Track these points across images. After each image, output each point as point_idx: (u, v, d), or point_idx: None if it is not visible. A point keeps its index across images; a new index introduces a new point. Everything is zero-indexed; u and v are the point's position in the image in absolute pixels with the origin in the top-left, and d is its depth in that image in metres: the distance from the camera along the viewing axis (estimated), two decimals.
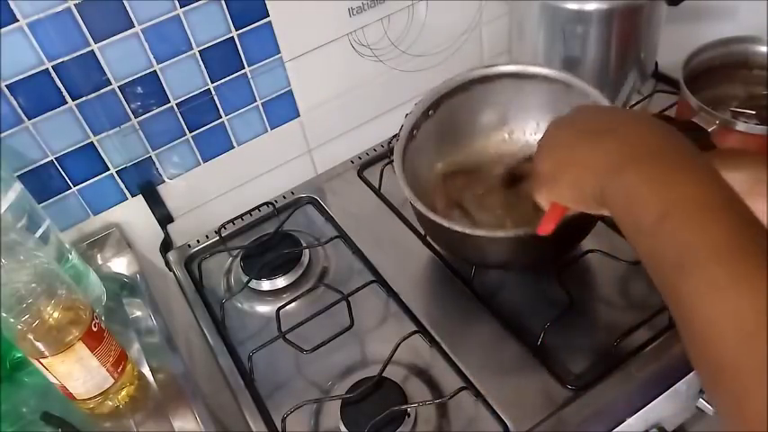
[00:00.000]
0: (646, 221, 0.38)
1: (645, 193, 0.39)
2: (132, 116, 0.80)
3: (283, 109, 0.91)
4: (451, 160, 0.83)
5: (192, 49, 0.79)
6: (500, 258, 0.71)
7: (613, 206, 0.42)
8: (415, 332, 0.71)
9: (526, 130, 0.83)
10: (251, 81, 0.85)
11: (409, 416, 0.64)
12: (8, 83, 0.70)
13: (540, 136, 0.78)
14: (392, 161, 0.74)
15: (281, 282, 0.81)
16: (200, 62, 0.80)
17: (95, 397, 0.66)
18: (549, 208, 0.54)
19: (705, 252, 0.35)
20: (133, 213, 0.87)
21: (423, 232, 0.82)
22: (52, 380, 0.63)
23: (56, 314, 0.60)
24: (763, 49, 0.82)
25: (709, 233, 0.35)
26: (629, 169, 0.41)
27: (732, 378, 0.32)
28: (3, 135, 0.73)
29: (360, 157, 0.98)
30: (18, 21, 0.67)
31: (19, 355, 0.71)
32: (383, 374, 0.67)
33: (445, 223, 0.65)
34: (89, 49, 0.73)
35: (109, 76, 0.75)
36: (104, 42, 0.73)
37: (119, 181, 0.84)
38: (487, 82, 0.79)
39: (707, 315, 0.33)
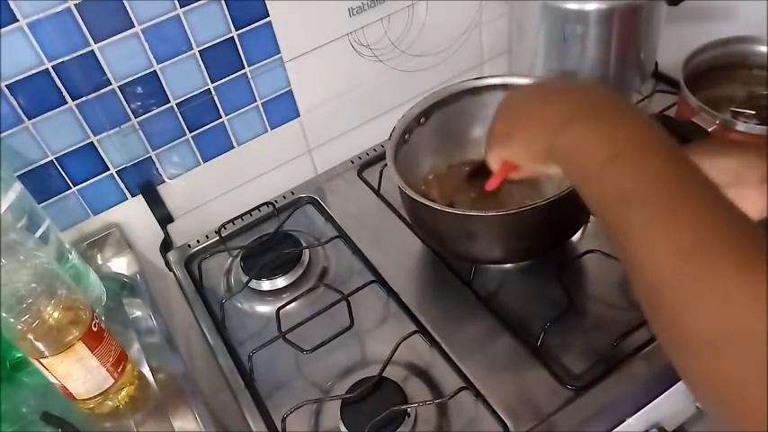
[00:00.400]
0: (593, 166, 0.41)
1: (592, 140, 0.43)
2: (132, 116, 0.80)
3: (283, 109, 0.91)
4: (445, 166, 0.85)
5: (192, 49, 0.79)
6: (489, 245, 0.71)
7: (563, 158, 0.46)
8: (415, 332, 0.71)
9: None
10: (251, 81, 0.85)
11: (409, 416, 0.64)
12: (8, 83, 0.70)
13: None
14: None
15: (281, 282, 0.81)
16: (200, 62, 0.80)
17: (95, 397, 0.66)
18: (501, 166, 0.58)
19: (647, 185, 0.38)
20: (133, 213, 0.87)
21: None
22: (52, 380, 0.63)
23: (56, 314, 0.60)
24: (763, 49, 0.82)
25: (650, 169, 0.38)
26: (577, 121, 0.45)
27: (670, 294, 0.34)
28: (3, 135, 0.73)
29: (360, 157, 0.98)
30: (18, 21, 0.67)
31: (19, 355, 0.71)
32: (383, 374, 0.67)
33: (430, 203, 0.68)
34: (89, 49, 0.73)
35: (109, 76, 0.75)
36: (104, 42, 0.73)
37: (119, 181, 0.84)
38: (477, 94, 0.82)
39: (648, 241, 0.36)
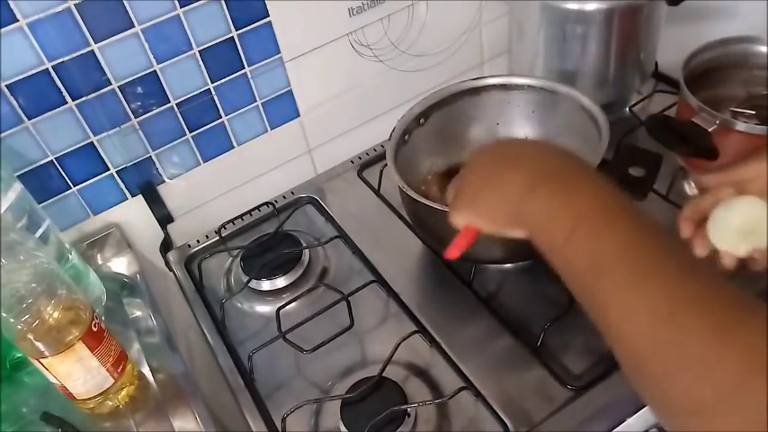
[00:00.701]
0: (558, 237, 0.42)
1: (554, 211, 0.43)
2: (132, 116, 0.80)
3: (283, 109, 0.91)
4: (444, 167, 0.85)
5: (192, 49, 0.79)
6: (489, 245, 0.71)
7: (529, 224, 0.46)
8: (415, 332, 0.71)
9: None
10: (251, 81, 0.85)
11: (409, 416, 0.64)
12: (8, 83, 0.70)
13: None
14: None
15: (281, 282, 0.81)
16: (200, 62, 0.80)
17: (95, 397, 0.66)
18: (462, 231, 0.56)
19: (614, 254, 0.38)
20: (133, 213, 0.87)
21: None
22: (52, 380, 0.63)
23: (56, 314, 0.60)
24: (763, 49, 0.82)
25: (615, 238, 0.39)
26: (538, 189, 0.46)
27: (653, 362, 0.34)
28: (3, 135, 0.73)
29: (360, 157, 0.98)
30: (18, 21, 0.67)
31: (19, 355, 0.71)
32: (383, 374, 0.67)
33: (430, 203, 0.68)
34: (89, 49, 0.73)
35: (109, 76, 0.75)
36: (104, 42, 0.73)
37: (119, 181, 0.84)
38: (476, 94, 0.82)
39: (622, 309, 0.37)
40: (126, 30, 0.73)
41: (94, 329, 0.63)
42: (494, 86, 0.82)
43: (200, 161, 0.89)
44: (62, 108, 0.75)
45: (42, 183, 0.78)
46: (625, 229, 0.39)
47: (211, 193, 0.93)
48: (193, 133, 0.86)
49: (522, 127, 0.84)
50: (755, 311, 0.32)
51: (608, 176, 0.45)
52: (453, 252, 0.56)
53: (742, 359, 0.30)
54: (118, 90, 0.77)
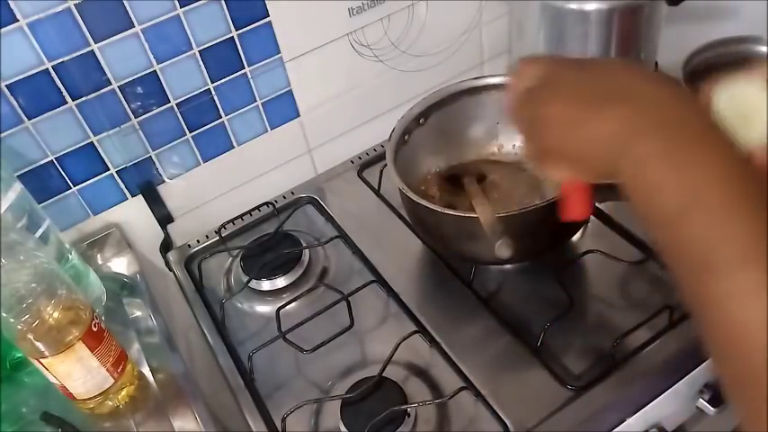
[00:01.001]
0: (665, 212, 0.34)
1: (661, 178, 0.34)
2: (132, 116, 0.80)
3: (283, 109, 0.91)
4: (445, 167, 0.85)
5: (192, 49, 0.79)
6: (489, 245, 0.70)
7: (628, 186, 0.37)
8: (415, 332, 0.71)
9: (515, 144, 0.86)
10: (251, 81, 0.85)
11: (409, 416, 0.64)
12: (8, 83, 0.70)
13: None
14: None
15: (281, 282, 0.81)
16: (200, 62, 0.80)
17: (95, 397, 0.66)
18: (568, 187, 0.48)
19: (733, 253, 0.31)
20: (133, 213, 0.87)
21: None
22: (52, 380, 0.63)
23: (56, 314, 0.60)
24: (763, 49, 0.82)
25: (737, 232, 0.31)
26: (642, 146, 0.35)
27: (758, 386, 0.30)
28: (3, 135, 0.73)
29: (360, 157, 0.98)
30: (18, 21, 0.67)
31: (19, 355, 0.71)
32: (383, 374, 0.67)
33: (431, 204, 0.68)
34: (89, 49, 0.73)
35: (109, 76, 0.75)
36: (104, 42, 0.73)
37: (119, 181, 0.84)
38: (476, 94, 0.82)
39: (736, 320, 0.31)
40: (126, 30, 0.73)
41: (94, 329, 0.63)
42: (494, 86, 0.82)
43: (200, 161, 0.89)
44: (62, 108, 0.75)
45: (42, 183, 0.78)
46: (751, 222, 0.31)
47: (211, 193, 0.93)
48: (193, 133, 0.86)
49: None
50: None
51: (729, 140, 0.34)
52: (577, 213, 0.48)
53: None
54: (118, 90, 0.77)
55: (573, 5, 0.83)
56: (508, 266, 0.78)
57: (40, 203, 0.76)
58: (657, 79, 0.38)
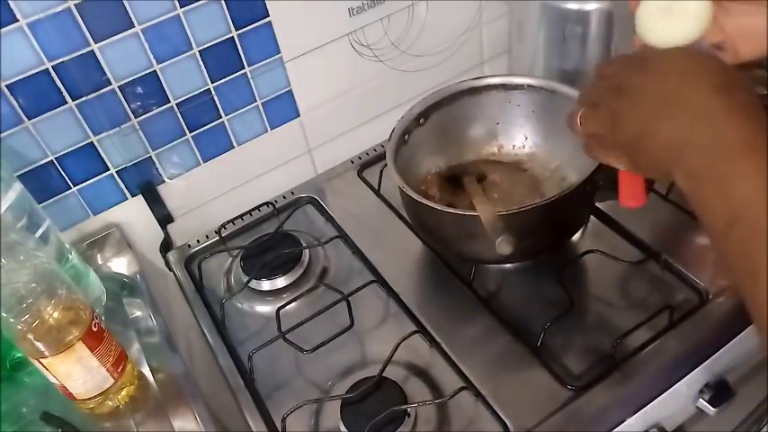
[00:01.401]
0: (714, 226, 0.37)
1: (708, 194, 0.37)
2: (132, 116, 0.80)
3: (283, 109, 0.91)
4: (445, 167, 0.85)
5: (192, 49, 0.79)
6: (489, 245, 0.70)
7: (684, 195, 0.40)
8: (415, 332, 0.71)
9: (515, 144, 0.86)
10: (251, 81, 0.85)
11: (409, 416, 0.64)
12: (8, 83, 0.70)
13: (527, 148, 0.84)
14: None
15: (281, 282, 0.81)
16: (200, 62, 0.80)
17: (95, 397, 0.66)
18: (626, 177, 0.50)
19: None
20: (133, 213, 0.87)
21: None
22: (52, 380, 0.63)
23: (56, 314, 0.60)
24: None
25: None
26: (690, 161, 0.38)
27: None
28: (3, 135, 0.73)
29: (360, 157, 0.98)
30: (18, 21, 0.67)
31: (19, 355, 0.71)
32: (383, 374, 0.67)
33: (431, 203, 0.68)
34: (89, 49, 0.73)
35: (109, 76, 0.75)
36: (104, 42, 0.73)
37: (119, 181, 0.84)
38: (476, 93, 0.82)
39: None
40: (126, 30, 0.73)
41: (94, 329, 0.63)
42: (494, 86, 0.82)
43: (200, 161, 0.89)
44: (62, 108, 0.75)
45: (42, 183, 0.78)
46: None
47: (211, 193, 0.93)
48: (193, 133, 0.86)
49: (521, 126, 0.84)
50: None
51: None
52: (633, 200, 0.49)
53: None
54: (118, 90, 0.77)
55: (573, 5, 0.83)
56: (508, 266, 0.78)
57: (40, 203, 0.76)
58: (712, 84, 0.39)
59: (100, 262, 0.85)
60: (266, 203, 0.93)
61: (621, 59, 0.48)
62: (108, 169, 0.82)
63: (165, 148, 0.85)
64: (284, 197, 0.94)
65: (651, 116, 0.42)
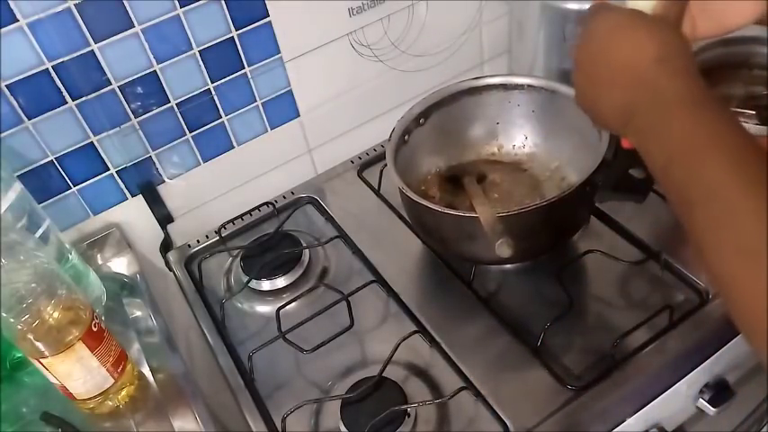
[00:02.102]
0: (656, 168, 0.44)
1: (649, 145, 0.45)
2: (132, 116, 0.80)
3: (283, 109, 0.91)
4: (445, 167, 0.85)
5: (192, 49, 0.79)
6: (489, 245, 0.70)
7: (634, 145, 0.48)
8: (415, 332, 0.71)
9: (515, 144, 0.86)
10: (251, 81, 0.85)
11: (409, 416, 0.64)
12: (8, 83, 0.70)
13: (527, 148, 0.84)
14: None
15: (281, 282, 0.81)
16: (200, 62, 0.80)
17: (95, 397, 0.66)
18: None
19: (702, 191, 0.40)
20: (133, 213, 0.87)
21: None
22: (52, 380, 0.63)
23: (56, 314, 0.60)
24: (763, 49, 0.82)
25: (706, 174, 0.40)
26: (635, 118, 0.46)
27: (746, 299, 0.37)
28: (3, 135, 0.73)
29: (360, 157, 0.98)
30: (18, 21, 0.67)
31: (19, 355, 0.71)
32: (383, 374, 0.67)
33: (431, 204, 0.68)
34: (89, 49, 0.73)
35: (109, 76, 0.75)
36: (104, 42, 0.73)
37: (119, 181, 0.84)
38: (476, 93, 0.82)
39: (713, 247, 0.39)
40: (126, 30, 0.73)
41: (94, 329, 0.63)
42: (494, 86, 0.82)
43: (200, 161, 0.89)
44: (62, 108, 0.75)
45: (42, 183, 0.78)
46: (717, 164, 0.39)
47: (211, 193, 0.93)
48: (193, 133, 0.86)
49: (521, 126, 0.85)
50: None
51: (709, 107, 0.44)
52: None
53: None
54: (118, 90, 0.77)
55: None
56: (508, 266, 0.78)
57: (40, 203, 0.76)
58: (652, 54, 0.46)
59: (100, 262, 0.85)
60: (266, 203, 0.93)
61: (579, 35, 0.54)
62: (108, 169, 0.82)
63: (165, 148, 0.85)
64: (284, 197, 0.94)
65: (601, 85, 0.49)
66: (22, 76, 0.71)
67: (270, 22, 0.82)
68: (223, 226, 0.89)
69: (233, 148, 0.90)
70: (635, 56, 0.47)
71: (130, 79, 0.77)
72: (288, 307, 0.77)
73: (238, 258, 0.85)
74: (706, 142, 0.41)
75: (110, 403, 0.67)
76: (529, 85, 0.81)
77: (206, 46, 0.79)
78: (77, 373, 0.63)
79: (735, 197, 0.38)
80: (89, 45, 0.72)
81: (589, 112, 0.53)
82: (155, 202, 0.87)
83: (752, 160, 0.39)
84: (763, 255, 0.35)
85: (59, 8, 0.69)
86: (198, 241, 0.90)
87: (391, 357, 0.68)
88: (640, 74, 0.46)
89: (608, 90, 0.49)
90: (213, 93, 0.84)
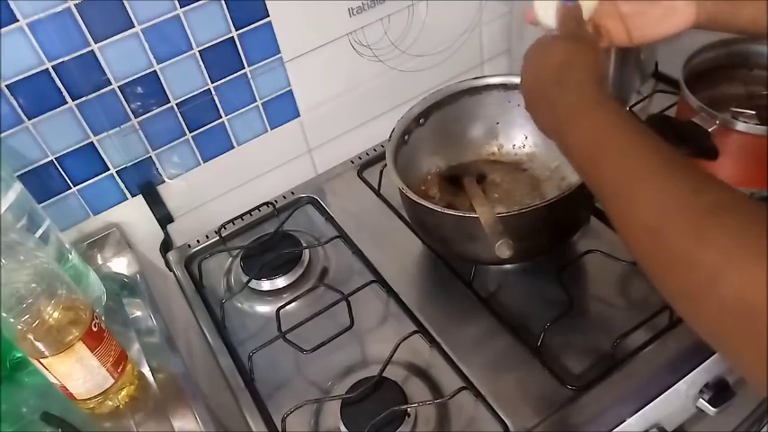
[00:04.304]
0: (578, 173, 0.50)
1: (566, 146, 0.51)
2: (132, 116, 0.80)
3: (283, 109, 0.91)
4: (445, 167, 0.85)
5: (192, 49, 0.79)
6: (490, 246, 0.70)
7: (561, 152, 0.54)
8: (415, 332, 0.71)
9: (515, 144, 0.86)
10: (251, 81, 0.85)
11: (409, 416, 0.64)
12: (8, 83, 0.70)
13: (527, 148, 0.86)
14: None
15: (281, 282, 0.81)
16: (200, 62, 0.80)
17: (95, 397, 0.66)
18: None
19: (610, 186, 0.45)
20: (133, 213, 0.87)
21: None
22: (52, 380, 0.63)
23: (56, 314, 0.60)
24: (763, 49, 0.82)
25: (607, 171, 0.45)
26: (555, 136, 0.54)
27: (649, 262, 0.43)
28: (3, 135, 0.73)
29: (360, 158, 0.98)
30: (18, 21, 0.67)
31: (19, 355, 0.71)
32: (383, 374, 0.67)
33: (431, 205, 0.68)
34: (89, 49, 0.73)
35: (109, 76, 0.75)
36: (104, 42, 0.73)
37: (119, 181, 0.84)
38: (476, 93, 0.82)
39: (625, 226, 0.44)
40: (126, 30, 0.73)
41: (94, 329, 0.63)
42: (494, 86, 0.82)
43: (200, 161, 0.89)
44: (62, 108, 0.75)
45: (42, 183, 0.78)
46: (614, 162, 0.45)
47: (211, 193, 0.93)
48: (193, 133, 0.86)
49: (521, 126, 0.84)
50: (730, 213, 0.37)
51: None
52: None
53: (715, 259, 0.36)
54: (118, 90, 0.77)
55: None
56: (508, 266, 0.78)
57: (40, 203, 0.76)
58: (550, 78, 0.55)
59: (100, 262, 0.85)
60: (266, 203, 0.93)
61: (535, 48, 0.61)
62: (108, 169, 0.82)
63: (165, 148, 0.85)
64: (284, 197, 0.94)
65: (531, 103, 0.59)
66: (22, 76, 0.71)
67: (270, 22, 0.82)
68: (223, 226, 0.89)
69: (233, 148, 0.90)
70: (542, 78, 0.56)
71: (130, 79, 0.77)
72: (288, 307, 0.77)
73: (238, 258, 0.85)
74: (603, 145, 0.46)
75: (110, 403, 0.67)
76: None
77: (206, 46, 0.79)
78: (77, 373, 0.63)
79: (632, 187, 0.42)
80: (89, 45, 0.72)
81: (537, 125, 0.59)
82: (155, 202, 0.87)
83: (645, 151, 0.44)
84: (662, 232, 0.40)
85: (59, 8, 0.69)
86: (198, 241, 0.90)
87: (391, 357, 0.68)
88: (548, 94, 0.55)
89: (536, 112, 0.58)
90: (213, 93, 0.84)
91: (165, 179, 0.87)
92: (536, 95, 0.58)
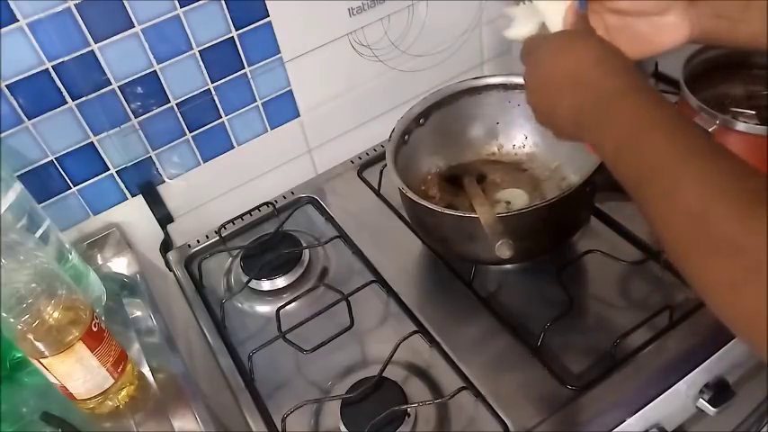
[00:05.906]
0: (608, 159, 0.48)
1: (601, 137, 0.49)
2: (132, 116, 0.80)
3: (283, 109, 0.91)
4: (445, 167, 0.85)
5: (192, 49, 0.79)
6: (490, 246, 0.70)
7: (590, 145, 0.51)
8: (415, 332, 0.71)
9: (515, 144, 0.86)
10: (251, 81, 0.85)
11: (409, 416, 0.64)
12: (8, 83, 0.70)
13: (527, 148, 0.85)
14: None
15: (281, 282, 0.81)
16: (200, 62, 0.80)
17: (95, 397, 0.66)
18: None
19: (647, 171, 0.44)
20: (133, 213, 0.87)
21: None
22: (52, 380, 0.63)
23: (56, 314, 0.60)
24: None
25: (650, 152, 0.44)
26: (584, 120, 0.51)
27: (693, 249, 0.40)
28: (3, 135, 0.73)
29: (360, 158, 0.98)
30: (18, 21, 0.67)
31: (19, 355, 0.71)
32: (383, 374, 0.67)
33: (431, 205, 0.68)
34: (89, 49, 0.73)
35: (109, 76, 0.75)
36: (104, 42, 0.73)
37: (119, 181, 0.84)
38: (475, 94, 0.82)
39: (664, 209, 0.42)
40: (126, 30, 0.73)
41: (94, 329, 0.63)
42: (494, 86, 0.82)
43: (200, 161, 0.89)
44: (62, 108, 0.75)
45: (42, 183, 0.78)
46: (657, 144, 0.44)
47: (211, 193, 0.93)
48: (193, 133, 0.86)
49: (521, 126, 0.85)
50: None
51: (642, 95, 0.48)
52: None
53: (762, 244, 0.35)
54: (118, 90, 0.77)
55: None
56: (508, 266, 0.78)
57: (40, 203, 0.76)
58: (590, 59, 0.52)
59: (100, 262, 0.85)
60: (266, 203, 0.93)
61: (526, 67, 0.60)
62: (108, 169, 0.82)
63: (165, 148, 0.85)
64: (284, 197, 0.94)
65: (552, 99, 0.54)
66: (22, 76, 0.71)
67: (270, 22, 0.82)
68: (223, 226, 0.89)
69: (233, 148, 0.90)
70: (577, 65, 0.52)
71: (130, 79, 0.77)
72: (288, 307, 0.77)
73: (238, 258, 0.85)
74: (646, 125, 0.45)
75: (110, 403, 0.67)
76: None
77: (206, 46, 0.79)
78: (77, 373, 0.63)
79: (677, 167, 0.41)
80: (89, 45, 0.72)
81: (548, 126, 0.57)
82: (155, 202, 0.87)
83: (689, 135, 0.43)
84: (706, 216, 0.38)
85: (59, 8, 0.69)
86: (198, 241, 0.90)
87: (391, 357, 0.68)
88: (583, 78, 0.51)
89: (558, 100, 0.53)
90: (213, 93, 0.84)
91: (165, 179, 0.87)
92: (562, 84, 0.54)
